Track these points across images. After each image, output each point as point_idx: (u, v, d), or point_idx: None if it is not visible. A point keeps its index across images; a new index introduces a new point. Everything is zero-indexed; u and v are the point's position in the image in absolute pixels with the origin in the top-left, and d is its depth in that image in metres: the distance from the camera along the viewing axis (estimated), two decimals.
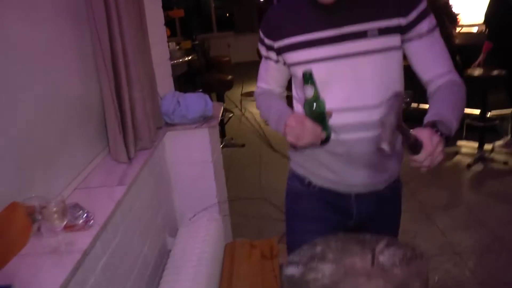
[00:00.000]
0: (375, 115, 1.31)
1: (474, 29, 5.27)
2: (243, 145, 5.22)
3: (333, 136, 1.30)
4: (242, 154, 5.10)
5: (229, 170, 4.55)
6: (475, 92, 4.31)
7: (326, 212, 1.47)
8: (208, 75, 5.52)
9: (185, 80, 6.16)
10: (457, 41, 4.72)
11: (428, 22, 1.30)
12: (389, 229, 1.55)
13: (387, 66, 1.32)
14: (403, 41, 1.31)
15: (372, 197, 1.45)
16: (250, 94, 5.06)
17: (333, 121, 1.31)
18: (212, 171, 2.43)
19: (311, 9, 1.32)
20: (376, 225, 1.44)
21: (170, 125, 2.38)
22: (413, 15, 1.27)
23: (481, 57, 4.39)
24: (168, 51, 2.77)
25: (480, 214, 3.37)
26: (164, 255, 2.18)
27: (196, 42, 5.66)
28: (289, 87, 1.54)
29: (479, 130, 4.37)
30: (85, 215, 1.33)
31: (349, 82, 1.31)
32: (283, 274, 0.92)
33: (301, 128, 1.23)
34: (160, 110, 2.33)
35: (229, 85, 5.06)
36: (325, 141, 1.27)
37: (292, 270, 0.92)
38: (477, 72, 4.25)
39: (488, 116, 4.49)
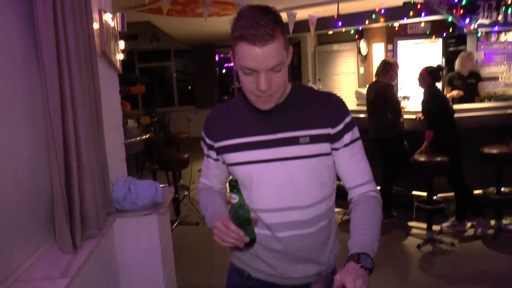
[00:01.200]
0: (307, 215, 1.42)
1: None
2: (197, 223, 5.22)
3: (269, 233, 1.40)
4: (196, 232, 5.09)
5: (182, 248, 4.54)
6: (422, 176, 4.59)
7: None
8: (165, 153, 5.60)
9: (143, 156, 6.22)
10: (404, 126, 5.05)
11: (351, 134, 1.44)
12: None
13: (318, 170, 1.44)
14: (331, 149, 1.45)
15: None
16: None
17: (268, 219, 1.42)
18: (160, 257, 2.45)
19: (250, 114, 1.44)
20: None
21: (120, 212, 2.41)
22: (340, 126, 1.42)
23: (424, 144, 4.68)
24: (123, 136, 2.85)
25: None
26: None
27: (155, 119, 5.77)
28: None
29: (427, 211, 4.59)
30: None
31: (282, 184, 1.42)
32: None
33: (225, 231, 1.32)
34: (111, 197, 2.37)
35: (185, 164, 5.15)
36: (249, 244, 1.36)
37: None
38: (422, 158, 4.52)
39: (434, 198, 4.72)
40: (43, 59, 1.74)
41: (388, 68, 4.93)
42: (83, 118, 1.96)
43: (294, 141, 1.39)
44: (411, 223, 4.97)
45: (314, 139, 1.40)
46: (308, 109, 1.43)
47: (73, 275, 1.71)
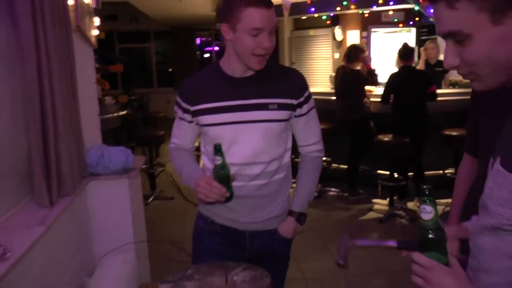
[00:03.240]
0: (269, 167, 1.71)
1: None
2: (172, 198, 5.44)
3: (235, 183, 1.64)
4: (170, 206, 5.32)
5: (157, 221, 4.76)
6: (386, 156, 4.88)
7: (226, 247, 1.79)
8: (141, 130, 5.80)
9: (121, 133, 6.39)
10: (371, 109, 5.32)
11: (308, 105, 1.75)
12: (280, 261, 1.89)
13: (279, 132, 1.72)
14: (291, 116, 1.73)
15: (264, 234, 1.78)
16: None
17: (236, 172, 1.67)
18: (131, 219, 2.67)
19: (225, 82, 1.70)
20: (268, 258, 1.78)
21: (94, 175, 2.62)
22: (301, 98, 1.70)
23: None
24: (98, 108, 3.05)
25: (383, 263, 3.77)
26: None
27: (133, 97, 5.94)
28: None
29: (390, 189, 4.89)
30: (1, 248, 1.54)
31: (250, 143, 1.68)
32: None
33: (209, 188, 1.57)
34: (85, 161, 2.57)
35: (160, 140, 5.35)
36: (228, 199, 1.61)
37: (163, 286, 1.21)
38: (386, 138, 4.81)
39: (396, 177, 5.02)
40: (20, 29, 1.92)
41: (355, 52, 5.17)
42: (58, 85, 2.15)
43: (264, 107, 1.65)
44: (375, 200, 5.27)
45: (281, 107, 1.68)
46: (277, 80, 1.70)
47: (49, 224, 1.92)
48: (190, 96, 1.74)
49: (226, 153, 1.60)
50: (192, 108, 1.73)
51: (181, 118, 1.80)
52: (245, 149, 1.68)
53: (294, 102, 1.70)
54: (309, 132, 1.80)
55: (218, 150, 1.55)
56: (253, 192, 1.71)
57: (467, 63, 0.95)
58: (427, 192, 0.97)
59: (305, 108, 1.74)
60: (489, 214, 0.98)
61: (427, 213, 0.97)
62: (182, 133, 1.85)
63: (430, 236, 0.98)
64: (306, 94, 1.74)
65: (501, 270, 0.98)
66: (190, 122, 1.78)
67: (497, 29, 0.89)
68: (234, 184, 1.63)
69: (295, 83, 1.73)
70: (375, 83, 5.29)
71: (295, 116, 1.74)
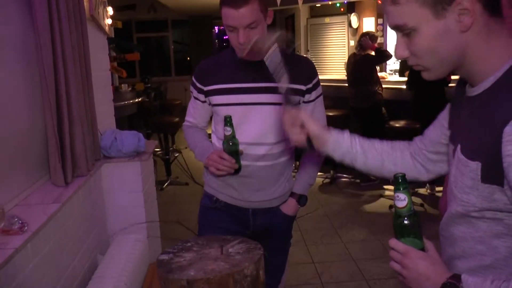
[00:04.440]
0: (274, 149, 1.80)
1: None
2: (186, 184, 5.58)
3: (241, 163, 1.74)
4: (185, 191, 5.45)
5: (171, 205, 4.90)
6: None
7: (229, 223, 1.90)
8: (157, 117, 5.93)
9: (138, 120, 6.53)
10: (383, 96, 5.34)
11: (316, 92, 1.82)
12: (282, 238, 1.98)
13: None
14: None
15: (266, 212, 1.88)
16: None
17: (244, 151, 1.76)
18: (142, 200, 2.79)
19: (237, 65, 1.80)
20: (270, 235, 1.88)
21: (107, 158, 2.74)
22: (310, 85, 1.78)
23: None
24: (112, 94, 3.16)
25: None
26: (93, 271, 2.48)
27: (149, 85, 6.06)
28: None
29: None
30: (20, 222, 1.67)
31: (258, 124, 1.77)
32: (157, 258, 1.30)
33: (219, 161, 1.69)
34: (99, 144, 2.69)
35: (175, 127, 5.47)
36: (237, 171, 1.73)
37: (163, 257, 1.31)
38: (397, 124, 4.84)
39: None
40: (37, 19, 2.03)
41: (366, 40, 5.19)
42: (73, 72, 2.26)
43: (273, 90, 1.72)
44: (386, 186, 5.32)
45: (291, 91, 1.75)
46: (288, 66, 1.77)
47: (64, 201, 2.04)
48: (204, 77, 1.85)
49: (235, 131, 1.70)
50: (206, 88, 1.84)
51: (195, 98, 1.91)
52: (253, 129, 1.77)
53: (303, 87, 1.78)
54: (318, 117, 1.84)
55: (228, 121, 1.66)
56: (257, 172, 1.80)
57: (415, 55, 1.00)
58: (400, 180, 1.01)
59: (313, 94, 1.82)
60: (456, 202, 1.03)
61: (401, 200, 1.01)
62: (197, 112, 1.96)
63: (405, 222, 1.02)
64: (315, 81, 1.81)
65: (474, 255, 1.02)
66: (204, 102, 1.89)
67: (439, 22, 0.94)
68: (242, 163, 1.74)
69: (305, 69, 1.81)
70: (387, 56, 5.24)
71: (304, 102, 1.81)
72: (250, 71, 1.76)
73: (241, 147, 1.74)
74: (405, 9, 0.96)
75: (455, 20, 0.93)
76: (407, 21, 0.96)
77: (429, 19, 0.94)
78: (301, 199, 1.91)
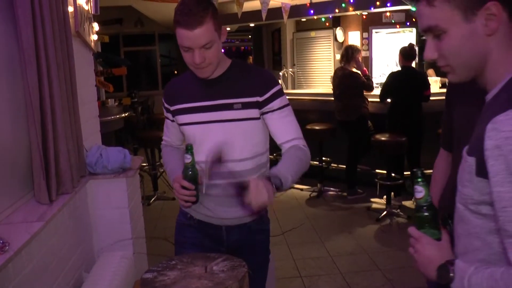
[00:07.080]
0: (239, 167, 1.77)
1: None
2: (173, 199, 5.54)
3: (207, 181, 1.73)
4: (172, 206, 5.42)
5: (158, 220, 4.87)
6: (383, 155, 4.95)
7: (203, 240, 1.88)
8: (144, 132, 5.90)
9: (125, 135, 6.51)
10: (369, 109, 5.40)
11: (280, 101, 1.79)
12: (258, 254, 1.96)
13: (250, 131, 1.79)
14: (261, 114, 1.79)
15: (240, 229, 1.87)
16: None
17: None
18: (128, 216, 2.77)
19: (197, 84, 1.80)
20: (247, 251, 1.86)
21: (93, 175, 2.73)
22: (267, 95, 1.76)
23: None
24: (97, 110, 3.15)
25: (379, 260, 3.86)
26: None
27: (135, 100, 6.05)
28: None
29: (387, 188, 4.96)
30: (1, 241, 1.64)
31: (219, 141, 1.76)
32: (141, 277, 1.30)
33: (181, 191, 1.70)
34: (84, 161, 2.68)
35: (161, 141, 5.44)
36: (197, 200, 1.73)
37: (147, 275, 1.30)
38: (383, 137, 4.88)
39: (393, 176, 5.09)
40: (21, 35, 2.03)
41: (351, 52, 5.26)
42: (58, 89, 2.25)
43: (229, 107, 1.74)
44: (373, 199, 5.35)
45: (245, 106, 1.76)
46: (241, 81, 1.78)
47: (48, 219, 2.02)
48: (170, 97, 1.88)
49: (197, 152, 1.70)
50: (172, 108, 1.87)
51: (166, 118, 1.93)
52: (212, 147, 1.77)
53: (259, 99, 1.75)
54: (286, 128, 1.81)
55: (189, 149, 1.67)
56: (225, 190, 1.75)
57: (443, 56, 1.08)
58: (418, 174, 1.13)
59: (276, 103, 1.77)
60: (459, 197, 1.10)
61: (418, 192, 1.14)
62: (170, 131, 1.97)
63: (423, 213, 1.15)
64: (273, 90, 1.77)
65: (472, 250, 1.09)
66: (172, 121, 1.91)
67: (468, 25, 1.02)
68: (206, 182, 1.72)
69: (258, 81, 1.78)
70: (370, 88, 5.37)
71: (266, 113, 1.77)
72: (209, 89, 1.77)
73: (205, 166, 1.68)
74: (438, 11, 1.04)
75: (482, 25, 1.01)
76: (439, 23, 1.04)
77: (459, 21, 1.03)
78: (275, 180, 1.61)
